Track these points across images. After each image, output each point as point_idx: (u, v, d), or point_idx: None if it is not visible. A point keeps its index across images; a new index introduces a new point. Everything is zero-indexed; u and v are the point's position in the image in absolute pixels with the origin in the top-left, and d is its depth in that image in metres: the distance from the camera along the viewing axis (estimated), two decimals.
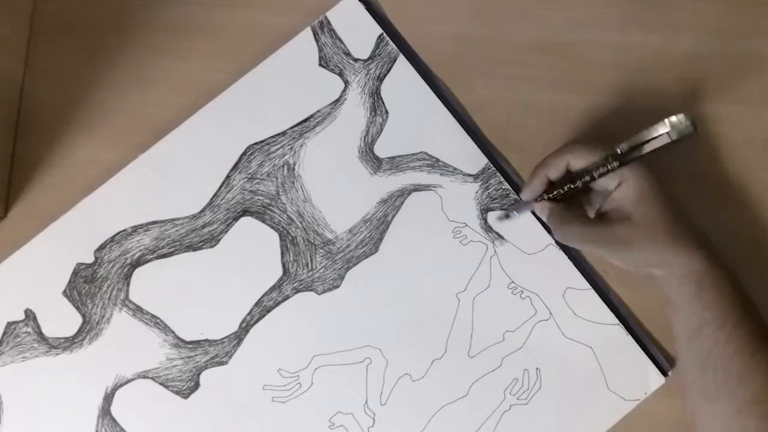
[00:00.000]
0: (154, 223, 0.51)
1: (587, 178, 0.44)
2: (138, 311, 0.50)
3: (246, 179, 0.52)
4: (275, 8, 0.55)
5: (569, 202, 0.47)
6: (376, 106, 0.53)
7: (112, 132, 0.54)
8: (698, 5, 0.54)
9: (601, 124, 0.53)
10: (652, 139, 0.42)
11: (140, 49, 0.54)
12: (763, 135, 0.53)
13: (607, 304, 0.50)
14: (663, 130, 0.42)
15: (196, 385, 0.50)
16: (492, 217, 0.51)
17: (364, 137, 0.53)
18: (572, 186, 0.45)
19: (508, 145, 0.53)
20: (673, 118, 0.41)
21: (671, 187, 0.45)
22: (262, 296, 0.51)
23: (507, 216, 0.51)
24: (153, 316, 0.50)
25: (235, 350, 0.50)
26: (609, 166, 0.43)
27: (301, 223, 0.51)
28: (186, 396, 0.49)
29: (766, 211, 0.52)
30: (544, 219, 0.47)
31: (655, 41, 0.54)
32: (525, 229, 0.51)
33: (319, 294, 0.51)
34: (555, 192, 0.46)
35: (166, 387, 0.49)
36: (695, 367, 0.44)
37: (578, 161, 0.45)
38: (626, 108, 0.53)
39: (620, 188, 0.44)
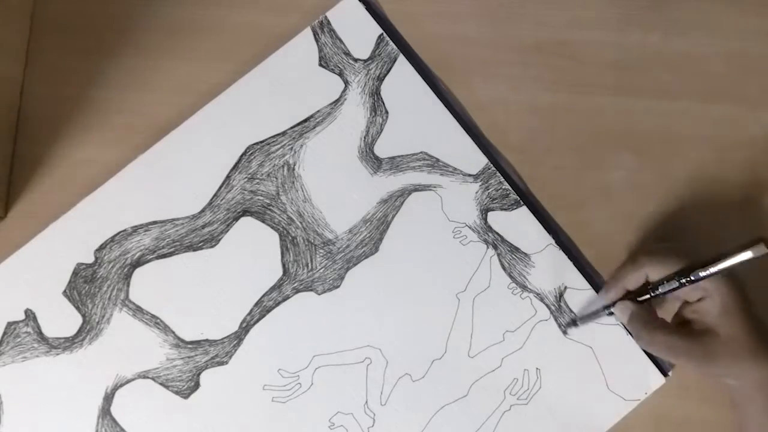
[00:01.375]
0: (154, 223, 0.51)
1: (668, 289, 0.44)
2: (138, 311, 0.50)
3: (246, 179, 0.52)
4: (275, 8, 0.55)
5: (649, 304, 0.47)
6: (376, 106, 0.53)
7: (112, 132, 0.54)
8: (698, 5, 0.54)
9: (602, 126, 0.53)
10: (731, 260, 0.42)
11: (140, 49, 0.54)
12: (763, 135, 0.52)
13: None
14: (745, 257, 0.41)
15: (197, 385, 0.49)
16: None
17: (364, 137, 0.53)
18: (653, 295, 0.45)
19: (508, 145, 0.53)
20: (756, 249, 0.40)
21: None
22: (262, 296, 0.51)
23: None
24: (153, 316, 0.50)
25: (236, 350, 0.50)
26: (688, 281, 0.43)
27: (301, 223, 0.51)
28: (186, 396, 0.49)
29: (766, 211, 0.52)
30: (624, 322, 0.47)
31: (655, 41, 0.54)
32: (525, 229, 0.51)
33: (319, 294, 0.51)
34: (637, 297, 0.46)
35: (167, 387, 0.49)
36: None
37: (657, 273, 0.45)
38: (626, 108, 0.53)
39: (704, 301, 0.44)
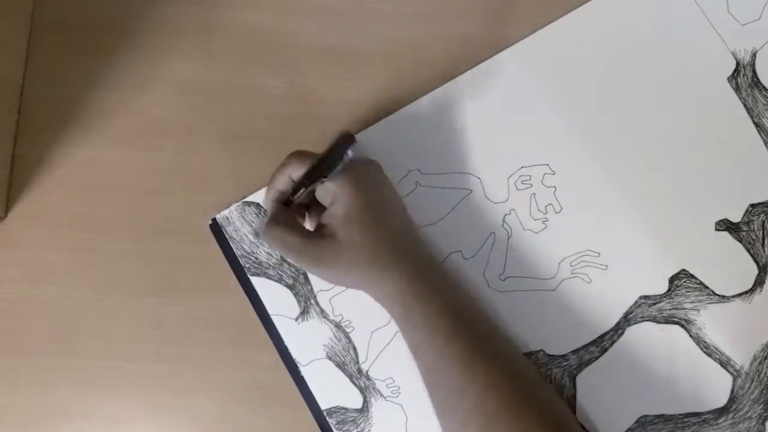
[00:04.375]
0: None
1: (296, 191, 0.45)
2: None
3: None
4: (275, 8, 0.55)
5: (299, 210, 0.48)
6: None
7: (112, 132, 0.53)
8: None
9: None
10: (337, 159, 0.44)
11: (140, 49, 0.54)
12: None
13: None
14: (343, 153, 0.43)
15: None
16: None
17: None
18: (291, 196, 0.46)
19: None
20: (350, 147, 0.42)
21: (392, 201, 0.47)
22: None
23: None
24: None
25: None
26: (304, 184, 0.44)
27: None
28: None
29: None
30: None
31: None
32: None
33: None
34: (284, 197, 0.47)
35: None
36: (425, 385, 0.44)
37: (297, 172, 0.45)
38: None
39: (332, 206, 0.44)
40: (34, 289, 0.52)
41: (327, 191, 0.45)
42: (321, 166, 0.44)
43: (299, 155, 0.46)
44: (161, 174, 0.53)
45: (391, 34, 0.54)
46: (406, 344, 0.45)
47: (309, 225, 0.49)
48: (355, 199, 0.44)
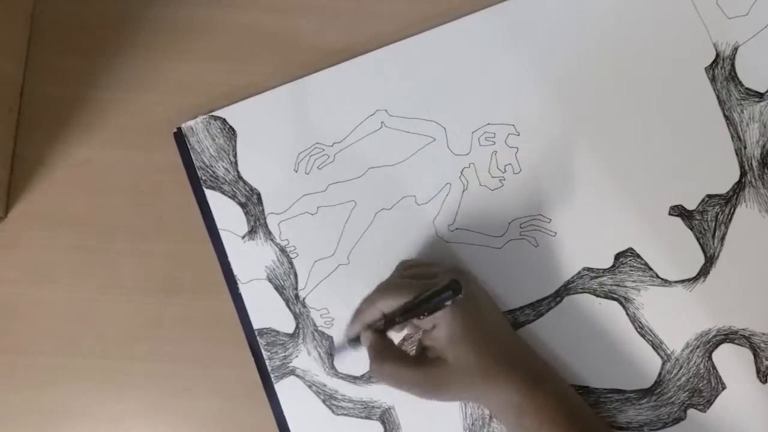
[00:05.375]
0: None
1: (387, 323, 0.44)
2: None
3: None
4: (275, 8, 0.55)
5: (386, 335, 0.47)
6: None
7: (112, 132, 0.54)
8: None
9: None
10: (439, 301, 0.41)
11: (140, 49, 0.54)
12: None
13: None
14: (446, 301, 0.41)
15: None
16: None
17: None
18: (384, 328, 0.45)
19: None
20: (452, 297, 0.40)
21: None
22: None
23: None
24: None
25: None
26: (403, 318, 0.43)
27: None
28: None
29: None
30: (366, 349, 0.46)
31: None
32: None
33: None
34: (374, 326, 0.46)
35: None
36: None
37: (388, 306, 0.45)
38: None
39: (435, 329, 0.44)
40: (34, 289, 0.52)
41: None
42: (419, 308, 0.42)
43: (392, 289, 0.45)
44: (161, 174, 0.53)
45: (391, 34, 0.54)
46: None
47: (395, 337, 0.48)
48: (457, 320, 0.43)
